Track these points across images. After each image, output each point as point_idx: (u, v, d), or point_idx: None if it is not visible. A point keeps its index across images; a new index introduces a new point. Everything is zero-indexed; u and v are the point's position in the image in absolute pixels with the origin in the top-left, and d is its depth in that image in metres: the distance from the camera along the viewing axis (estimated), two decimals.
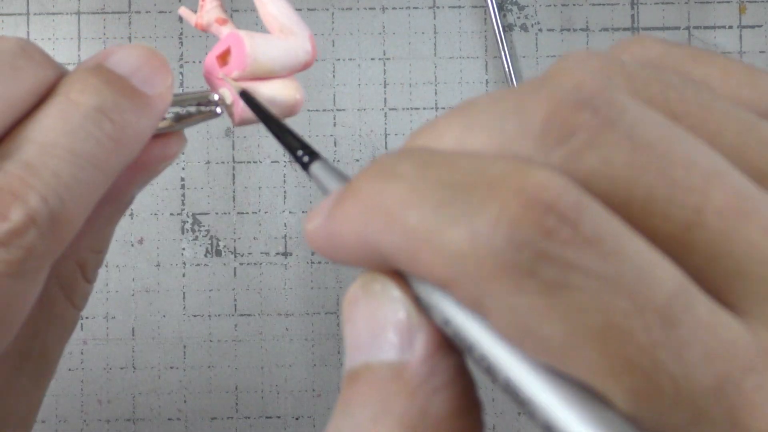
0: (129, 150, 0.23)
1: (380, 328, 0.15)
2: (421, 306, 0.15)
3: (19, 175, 0.20)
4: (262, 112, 0.25)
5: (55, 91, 0.22)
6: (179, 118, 0.25)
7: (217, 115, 0.27)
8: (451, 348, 0.15)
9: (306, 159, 0.22)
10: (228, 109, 0.27)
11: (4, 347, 0.21)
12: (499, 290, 0.13)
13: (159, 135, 0.25)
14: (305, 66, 0.27)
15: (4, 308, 0.20)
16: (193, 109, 0.26)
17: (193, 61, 0.46)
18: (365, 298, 0.16)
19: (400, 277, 0.16)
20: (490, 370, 0.14)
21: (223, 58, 0.27)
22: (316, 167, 0.21)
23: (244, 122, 0.27)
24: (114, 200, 0.25)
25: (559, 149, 0.14)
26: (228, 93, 0.27)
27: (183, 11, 0.28)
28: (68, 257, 0.25)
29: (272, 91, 0.27)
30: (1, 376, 0.24)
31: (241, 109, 0.27)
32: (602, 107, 0.14)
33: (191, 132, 0.47)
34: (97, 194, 0.22)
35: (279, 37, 0.27)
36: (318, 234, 0.17)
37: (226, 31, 0.28)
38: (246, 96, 0.26)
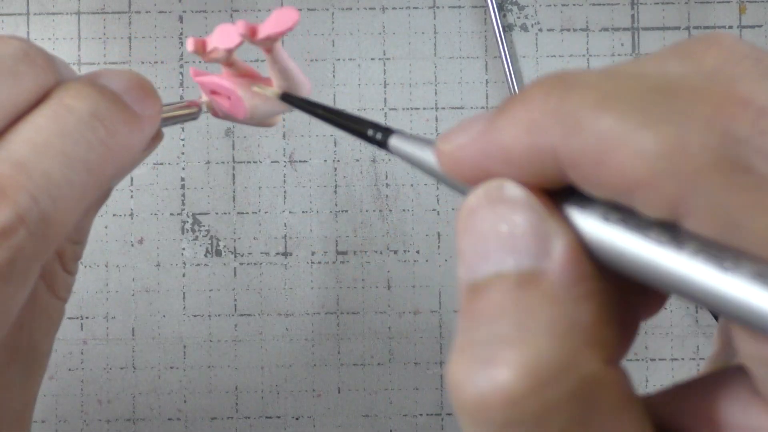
0: (120, 159, 0.23)
1: (510, 234, 0.15)
2: (555, 213, 0.15)
3: (9, 174, 0.20)
4: (311, 108, 0.25)
5: (49, 96, 0.22)
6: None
7: (195, 118, 0.27)
8: (590, 257, 0.15)
9: (379, 136, 0.21)
10: (209, 108, 0.28)
11: None
12: (710, 186, 0.13)
13: None
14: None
15: None
16: (174, 112, 0.26)
17: (193, 62, 0.46)
18: (490, 204, 0.15)
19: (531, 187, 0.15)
20: (662, 280, 0.14)
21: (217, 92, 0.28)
22: (395, 141, 0.20)
23: (225, 117, 0.28)
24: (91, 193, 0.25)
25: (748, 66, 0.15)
26: (210, 104, 0.28)
27: (191, 45, 0.29)
28: None
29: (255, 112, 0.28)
30: None
31: (219, 113, 0.28)
32: (763, 58, 0.15)
33: (191, 132, 0.47)
34: (87, 198, 0.22)
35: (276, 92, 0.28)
36: (466, 149, 0.16)
37: (230, 69, 0.28)
38: (289, 98, 0.26)
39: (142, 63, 0.47)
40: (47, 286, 0.25)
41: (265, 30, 0.25)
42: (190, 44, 0.28)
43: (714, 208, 0.13)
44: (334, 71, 0.46)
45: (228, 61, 0.27)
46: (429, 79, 0.47)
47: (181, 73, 0.47)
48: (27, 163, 0.20)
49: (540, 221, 0.15)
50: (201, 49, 0.27)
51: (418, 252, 0.46)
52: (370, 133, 0.21)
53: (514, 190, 0.15)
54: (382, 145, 0.21)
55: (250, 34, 0.26)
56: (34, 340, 0.25)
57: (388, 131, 0.21)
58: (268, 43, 0.26)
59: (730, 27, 0.47)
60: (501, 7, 0.47)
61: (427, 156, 0.19)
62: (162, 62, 0.47)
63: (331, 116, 0.23)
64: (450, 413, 0.46)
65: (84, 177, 0.21)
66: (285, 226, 0.46)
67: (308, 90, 0.28)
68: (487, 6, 0.46)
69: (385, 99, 0.47)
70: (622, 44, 0.47)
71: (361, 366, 0.46)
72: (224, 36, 0.27)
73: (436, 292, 0.46)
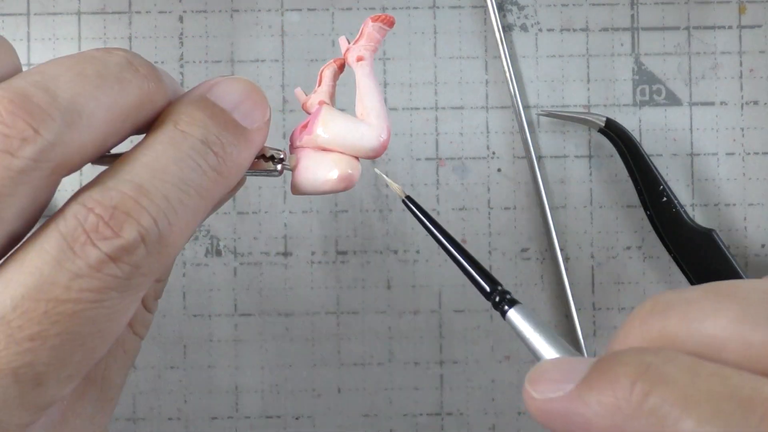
0: (230, 181, 0.24)
1: None
2: None
3: (132, 196, 0.21)
4: (431, 230, 0.25)
5: (163, 119, 0.23)
6: None
7: (277, 173, 0.28)
8: None
9: (497, 299, 0.22)
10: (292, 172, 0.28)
11: (99, 358, 0.22)
12: None
13: None
14: (372, 155, 0.28)
15: (108, 322, 0.21)
16: (259, 160, 0.27)
17: (193, 62, 0.47)
18: None
19: None
20: None
21: (306, 126, 0.28)
22: (513, 314, 0.21)
23: (299, 192, 0.28)
24: None
25: None
26: (294, 158, 0.28)
27: (298, 91, 0.29)
28: None
29: (327, 160, 0.28)
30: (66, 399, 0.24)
31: (297, 180, 0.28)
32: None
33: None
34: (198, 221, 0.23)
35: (355, 119, 0.28)
36: (552, 407, 0.18)
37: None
38: (413, 203, 0.26)
39: None
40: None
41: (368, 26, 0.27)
42: (298, 92, 0.29)
43: None
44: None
45: (325, 101, 0.28)
46: (429, 79, 0.47)
47: (181, 73, 0.47)
48: (148, 188, 0.21)
49: None
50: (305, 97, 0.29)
51: (418, 252, 0.46)
52: (493, 295, 0.22)
53: None
54: (496, 307, 0.22)
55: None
56: (110, 373, 0.25)
57: (505, 297, 0.22)
58: (365, 44, 0.27)
59: (730, 27, 0.47)
60: (501, 7, 0.47)
61: (533, 344, 0.20)
62: (162, 62, 0.47)
63: (456, 253, 0.24)
64: (450, 413, 0.46)
65: (196, 201, 0.22)
66: (285, 226, 0.46)
67: (383, 129, 0.28)
68: (487, 6, 0.46)
69: (385, 99, 0.47)
70: (622, 44, 0.47)
71: (361, 366, 0.46)
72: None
73: (436, 292, 0.46)
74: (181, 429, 0.46)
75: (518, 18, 0.47)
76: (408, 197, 0.27)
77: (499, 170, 0.46)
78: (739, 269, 0.43)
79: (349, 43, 0.28)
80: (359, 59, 0.27)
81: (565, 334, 0.46)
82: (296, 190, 0.28)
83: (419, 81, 0.47)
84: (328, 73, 0.29)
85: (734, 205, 0.46)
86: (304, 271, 0.46)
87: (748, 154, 0.46)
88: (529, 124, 0.46)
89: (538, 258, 0.46)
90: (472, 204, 0.46)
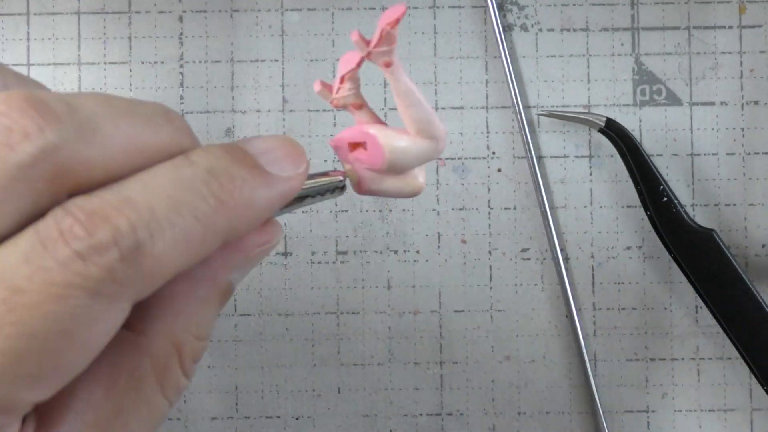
0: (237, 216, 0.23)
1: None
2: None
3: (114, 204, 0.21)
4: None
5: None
6: (302, 197, 0.26)
7: (342, 190, 0.27)
8: None
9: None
10: (352, 180, 0.28)
11: (73, 369, 0.21)
12: None
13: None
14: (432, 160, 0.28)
15: (75, 325, 0.20)
16: (317, 184, 0.27)
17: (193, 61, 0.46)
18: None
19: None
20: None
21: (355, 145, 0.27)
22: None
23: (369, 191, 0.28)
24: (208, 280, 0.25)
25: None
26: (355, 173, 0.27)
27: (318, 86, 0.28)
28: (162, 335, 0.25)
29: (399, 184, 0.27)
30: None
31: (366, 187, 0.27)
32: None
33: None
34: (194, 247, 0.22)
35: (415, 140, 0.27)
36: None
37: (361, 115, 0.28)
38: None
39: (142, 63, 0.47)
40: (157, 379, 0.25)
41: (376, 34, 0.25)
42: (317, 85, 0.28)
43: None
44: (334, 71, 0.46)
45: (357, 101, 0.27)
46: (429, 79, 0.47)
47: (180, 73, 0.47)
48: (134, 197, 0.21)
49: None
50: (328, 90, 0.27)
51: (418, 252, 0.46)
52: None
53: None
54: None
55: (365, 43, 0.25)
56: (130, 430, 0.24)
57: None
58: (386, 48, 0.25)
59: (730, 27, 0.47)
60: (501, 7, 0.47)
61: None
62: (162, 62, 0.47)
63: None
64: (450, 413, 0.46)
65: (189, 222, 0.22)
66: (285, 226, 0.46)
67: (443, 139, 0.27)
68: (487, 6, 0.46)
69: (385, 99, 0.47)
70: (622, 44, 0.47)
71: (361, 366, 0.46)
72: (344, 65, 0.27)
73: (436, 292, 0.46)
74: (181, 429, 0.46)
75: (518, 18, 0.47)
76: None
77: (499, 170, 0.46)
78: (739, 269, 0.43)
79: (363, 39, 0.26)
80: (388, 64, 0.26)
81: (564, 334, 0.46)
82: (361, 190, 0.28)
83: (419, 81, 0.47)
84: (354, 76, 0.27)
85: (734, 205, 0.46)
86: (304, 271, 0.46)
87: (749, 154, 0.46)
88: (529, 124, 0.46)
89: (538, 258, 0.46)
90: (472, 204, 0.46)
